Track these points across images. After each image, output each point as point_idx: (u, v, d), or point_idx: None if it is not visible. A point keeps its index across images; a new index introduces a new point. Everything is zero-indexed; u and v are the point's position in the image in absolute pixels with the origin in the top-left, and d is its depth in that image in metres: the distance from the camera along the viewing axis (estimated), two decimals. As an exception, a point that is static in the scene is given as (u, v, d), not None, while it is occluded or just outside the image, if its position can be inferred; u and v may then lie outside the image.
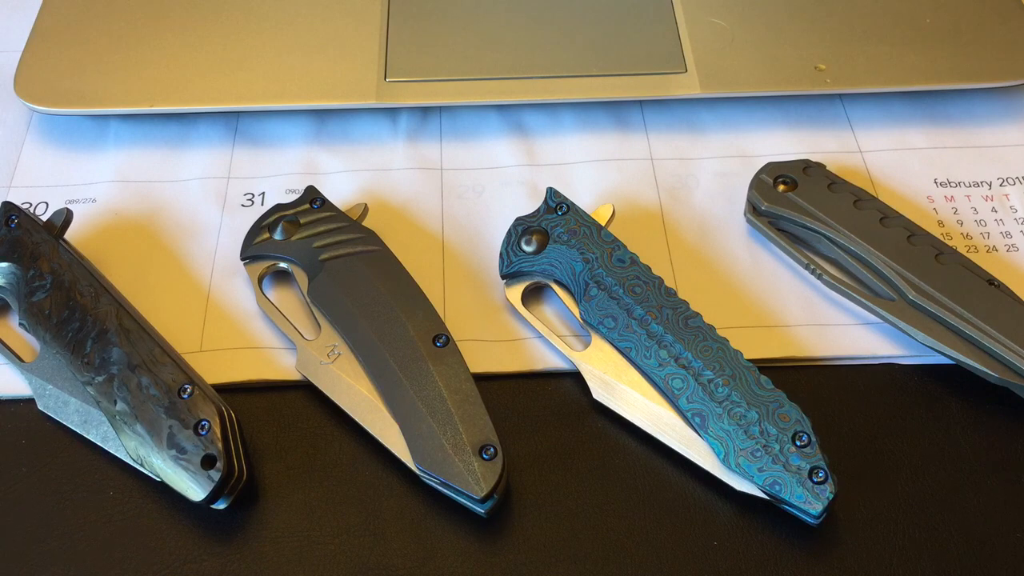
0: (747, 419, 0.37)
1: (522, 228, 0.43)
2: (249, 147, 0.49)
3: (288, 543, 0.38)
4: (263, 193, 0.48)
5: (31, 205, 0.47)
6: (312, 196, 0.44)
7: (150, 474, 0.37)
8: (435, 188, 0.48)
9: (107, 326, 0.40)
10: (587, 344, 0.41)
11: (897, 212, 0.44)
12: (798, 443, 0.37)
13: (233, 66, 0.49)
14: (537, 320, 0.42)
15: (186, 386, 0.38)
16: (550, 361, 0.42)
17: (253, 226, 0.44)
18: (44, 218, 0.44)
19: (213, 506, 0.38)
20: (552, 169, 0.49)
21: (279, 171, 0.48)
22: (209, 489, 0.36)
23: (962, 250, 0.45)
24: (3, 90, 0.51)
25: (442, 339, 0.40)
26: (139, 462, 0.37)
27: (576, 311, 0.42)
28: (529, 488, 0.39)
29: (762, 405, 0.38)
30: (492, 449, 0.37)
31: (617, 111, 0.51)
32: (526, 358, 0.42)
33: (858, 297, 0.42)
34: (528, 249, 0.43)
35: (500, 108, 0.51)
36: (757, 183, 0.45)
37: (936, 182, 0.48)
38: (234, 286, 0.44)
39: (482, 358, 0.42)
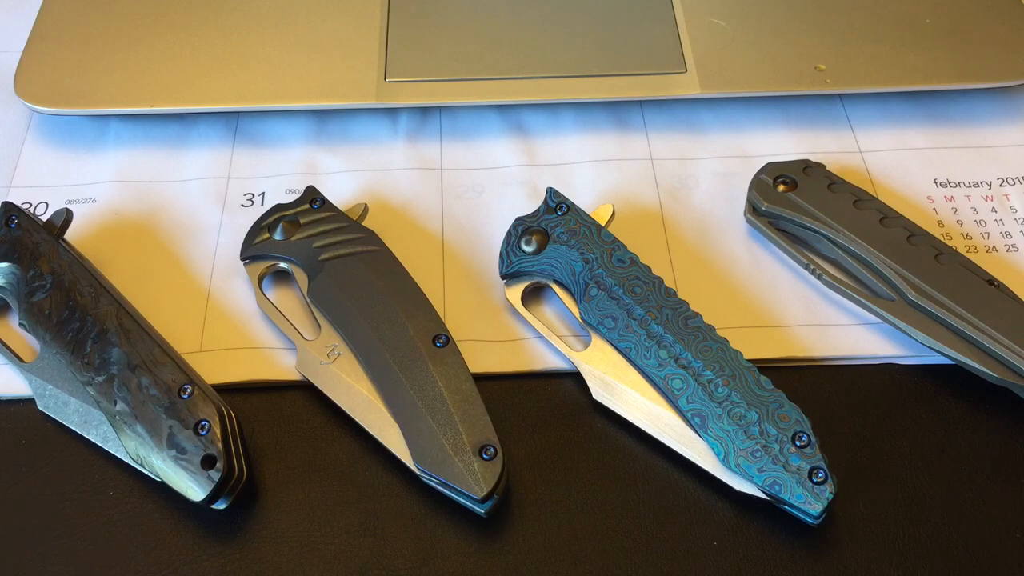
0: (747, 419, 0.37)
1: (522, 228, 0.43)
2: (249, 147, 0.49)
3: (288, 543, 0.38)
4: (263, 193, 0.48)
5: (31, 205, 0.47)
6: (312, 196, 0.44)
7: (150, 474, 0.37)
8: (435, 188, 0.48)
9: (107, 326, 0.40)
10: (587, 344, 0.41)
11: (897, 212, 0.44)
12: (798, 443, 0.37)
13: (233, 66, 0.49)
14: (537, 320, 0.42)
15: (186, 386, 0.38)
16: (550, 361, 0.42)
17: (253, 226, 0.44)
18: (44, 218, 0.44)
19: (213, 506, 0.38)
20: (552, 169, 0.49)
21: (279, 171, 0.48)
22: (209, 489, 0.36)
23: (962, 250, 0.45)
24: (3, 90, 0.51)
25: (442, 339, 0.40)
26: (139, 462, 0.37)
27: (576, 311, 0.42)
28: (529, 488, 0.39)
29: (762, 405, 0.38)
30: (492, 449, 0.37)
31: (617, 111, 0.51)
32: (526, 358, 0.42)
33: (858, 297, 0.42)
34: (528, 249, 0.43)
35: (500, 108, 0.51)
36: (757, 183, 0.45)
37: (936, 182, 0.48)
38: (234, 286, 0.44)
39: (482, 358, 0.42)
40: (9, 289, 0.42)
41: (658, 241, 0.46)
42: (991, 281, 0.41)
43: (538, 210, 0.44)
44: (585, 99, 0.48)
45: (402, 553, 0.37)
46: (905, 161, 0.49)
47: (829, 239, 0.43)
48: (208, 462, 0.37)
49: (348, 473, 0.39)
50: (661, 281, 0.41)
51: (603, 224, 0.43)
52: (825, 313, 0.43)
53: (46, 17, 0.51)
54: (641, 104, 0.51)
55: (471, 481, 0.36)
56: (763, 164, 0.46)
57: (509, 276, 0.43)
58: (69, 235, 0.44)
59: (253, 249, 0.43)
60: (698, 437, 0.38)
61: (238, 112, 0.50)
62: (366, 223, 0.44)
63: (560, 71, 0.49)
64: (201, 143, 0.50)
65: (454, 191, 0.48)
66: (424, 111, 0.51)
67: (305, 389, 0.41)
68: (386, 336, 0.40)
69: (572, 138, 0.50)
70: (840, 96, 0.51)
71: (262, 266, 0.43)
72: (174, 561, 0.37)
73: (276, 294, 0.44)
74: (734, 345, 0.39)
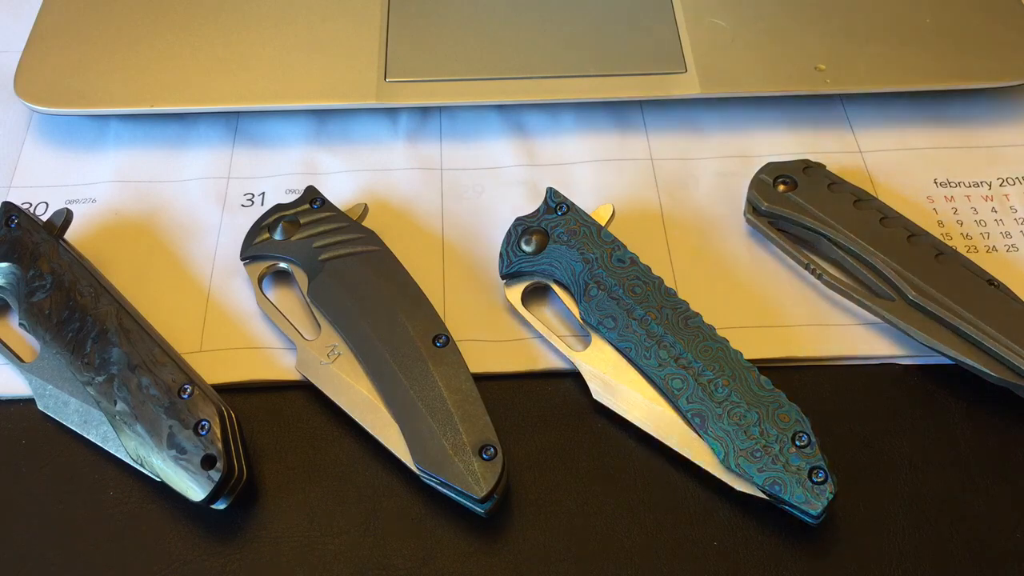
0: (747, 419, 0.37)
1: (522, 228, 0.43)
2: (249, 147, 0.49)
3: (288, 543, 0.38)
4: (263, 193, 0.48)
5: (31, 205, 0.47)
6: (312, 196, 0.44)
7: (150, 474, 0.37)
8: (435, 188, 0.48)
9: (107, 326, 0.40)
10: (587, 344, 0.41)
11: (897, 212, 0.44)
12: (798, 443, 0.37)
13: (233, 66, 0.49)
14: (537, 320, 0.42)
15: (186, 386, 0.38)
16: (550, 361, 0.42)
17: (253, 226, 0.44)
18: (44, 218, 0.44)
19: (213, 506, 0.38)
20: (552, 169, 0.49)
21: (279, 171, 0.48)
22: (209, 489, 0.36)
23: (962, 250, 0.45)
24: (3, 90, 0.51)
25: (442, 339, 0.40)
26: (139, 462, 0.38)
27: (576, 311, 0.42)
28: (529, 488, 0.39)
29: (762, 405, 0.38)
30: (492, 449, 0.37)
31: (617, 111, 0.51)
32: (526, 358, 0.42)
33: (858, 297, 0.42)
34: (528, 249, 0.43)
35: (500, 108, 0.51)
36: (757, 183, 0.45)
37: (936, 182, 0.48)
38: (234, 286, 0.44)
39: (482, 358, 0.42)
40: (9, 289, 0.42)
41: (658, 241, 0.46)
42: (991, 281, 0.41)
43: (538, 210, 0.44)
44: (585, 99, 0.48)
45: (402, 553, 0.37)
46: (905, 161, 0.49)
47: (829, 239, 0.43)
48: (208, 462, 0.37)
49: (348, 473, 0.39)
50: (661, 281, 0.41)
51: (603, 224, 0.43)
52: (825, 313, 0.43)
53: (46, 17, 0.51)
54: (641, 104, 0.51)
55: (471, 481, 0.36)
56: (763, 164, 0.46)
57: (509, 276, 0.43)
58: (69, 235, 0.44)
59: (253, 249, 0.43)
60: (698, 437, 0.38)
61: (238, 112, 0.50)
62: (366, 223, 0.44)
63: (560, 71, 0.49)
64: (201, 143, 0.50)
65: (454, 191, 0.48)
66: (424, 111, 0.51)
67: (305, 389, 0.41)
68: (386, 336, 0.40)
69: (572, 138, 0.50)
70: (840, 96, 0.51)
71: (262, 266, 0.43)
72: (174, 561, 0.37)
73: (276, 294, 0.44)
74: (734, 345, 0.39)
